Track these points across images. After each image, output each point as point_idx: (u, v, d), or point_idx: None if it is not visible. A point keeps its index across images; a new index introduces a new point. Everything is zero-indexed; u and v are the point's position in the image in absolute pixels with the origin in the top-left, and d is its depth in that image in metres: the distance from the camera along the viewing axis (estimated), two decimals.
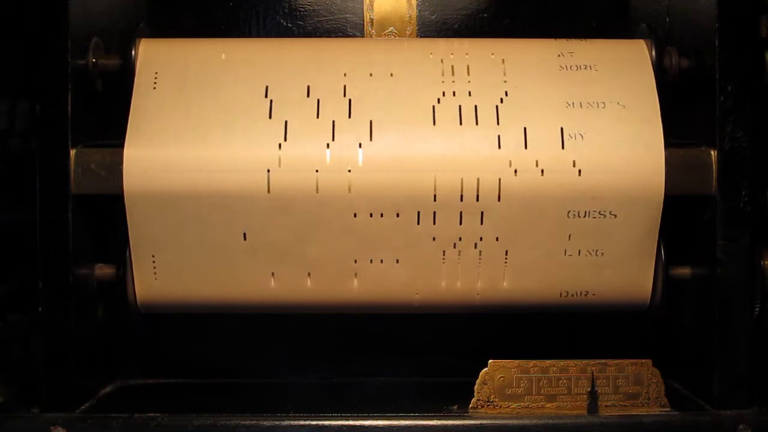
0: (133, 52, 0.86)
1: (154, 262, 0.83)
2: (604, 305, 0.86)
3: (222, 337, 0.95)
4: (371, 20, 0.95)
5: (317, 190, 0.81)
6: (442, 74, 0.84)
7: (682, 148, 0.84)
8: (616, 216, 0.82)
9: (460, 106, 0.83)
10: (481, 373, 0.82)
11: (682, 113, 0.87)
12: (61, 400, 0.82)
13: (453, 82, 0.84)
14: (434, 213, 0.82)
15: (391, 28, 0.95)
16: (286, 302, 0.85)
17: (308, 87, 0.83)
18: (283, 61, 0.85)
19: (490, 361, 0.82)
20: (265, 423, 0.80)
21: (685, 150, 0.84)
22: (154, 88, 0.84)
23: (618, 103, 0.84)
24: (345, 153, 0.81)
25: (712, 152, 0.83)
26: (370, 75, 0.84)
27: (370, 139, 0.82)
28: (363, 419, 0.80)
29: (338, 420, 0.80)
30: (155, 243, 0.82)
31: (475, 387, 0.82)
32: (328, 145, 0.81)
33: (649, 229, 0.83)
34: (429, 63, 0.85)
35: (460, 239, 0.83)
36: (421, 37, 0.95)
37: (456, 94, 0.83)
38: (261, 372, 0.95)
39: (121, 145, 0.82)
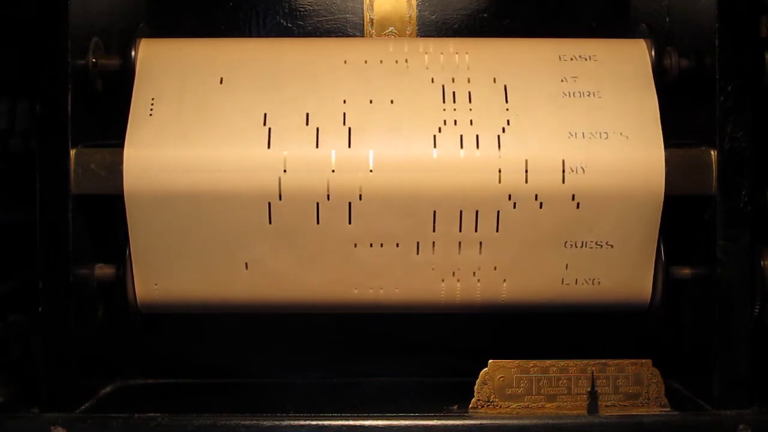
0: (133, 52, 0.86)
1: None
2: (604, 305, 0.86)
3: (222, 337, 0.95)
4: (371, 20, 0.95)
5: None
6: (444, 101, 0.84)
7: (682, 148, 0.84)
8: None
9: (461, 136, 0.82)
10: (481, 373, 0.82)
11: (682, 113, 0.87)
12: (61, 400, 0.82)
13: (454, 110, 0.83)
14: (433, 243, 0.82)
15: (391, 28, 0.95)
16: (286, 302, 0.85)
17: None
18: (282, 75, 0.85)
19: (490, 361, 0.82)
20: (265, 423, 0.80)
21: (685, 150, 0.84)
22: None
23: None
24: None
25: (712, 152, 0.83)
26: (371, 102, 0.84)
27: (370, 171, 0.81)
28: (363, 419, 0.81)
29: (338, 420, 0.80)
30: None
31: (475, 387, 0.82)
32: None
33: (649, 229, 0.83)
34: (430, 91, 0.84)
35: (459, 269, 0.83)
36: (420, 36, 0.95)
37: (457, 122, 0.83)
38: (261, 372, 0.95)
39: (121, 145, 0.82)
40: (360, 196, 0.81)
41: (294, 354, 0.95)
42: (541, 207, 0.82)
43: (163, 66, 0.85)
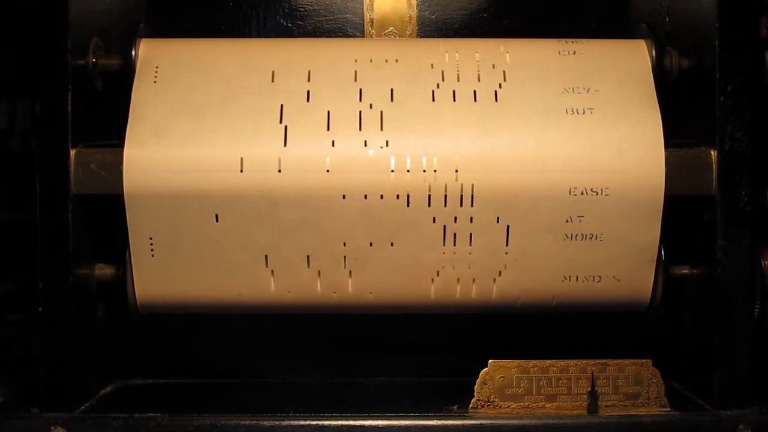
0: (133, 52, 0.86)
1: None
2: (604, 305, 0.86)
3: (222, 337, 0.95)
4: (371, 20, 0.95)
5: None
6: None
7: (682, 148, 0.84)
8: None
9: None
10: (481, 373, 0.82)
11: (682, 113, 0.87)
12: (61, 400, 0.82)
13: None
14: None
15: (391, 28, 0.95)
16: (286, 303, 0.85)
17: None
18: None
19: (490, 361, 0.82)
20: (265, 423, 0.80)
21: (685, 150, 0.84)
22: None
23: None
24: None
25: (712, 152, 0.83)
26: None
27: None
28: (363, 419, 0.81)
29: (338, 420, 0.80)
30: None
31: (475, 387, 0.82)
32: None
33: (649, 229, 0.83)
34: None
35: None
36: (420, 36, 0.95)
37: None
38: (261, 372, 0.95)
39: (121, 145, 0.82)
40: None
41: (294, 354, 0.95)
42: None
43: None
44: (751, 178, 0.82)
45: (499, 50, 0.86)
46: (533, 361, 0.82)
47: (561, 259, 0.83)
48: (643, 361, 0.83)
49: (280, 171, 0.81)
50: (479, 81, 0.84)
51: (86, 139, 0.83)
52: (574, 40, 0.88)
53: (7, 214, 0.91)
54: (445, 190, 0.81)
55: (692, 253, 0.86)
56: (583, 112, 0.82)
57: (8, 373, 0.90)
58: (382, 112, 0.82)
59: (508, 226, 0.82)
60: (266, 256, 0.83)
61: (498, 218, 0.82)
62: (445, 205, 0.82)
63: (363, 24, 0.95)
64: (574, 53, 0.87)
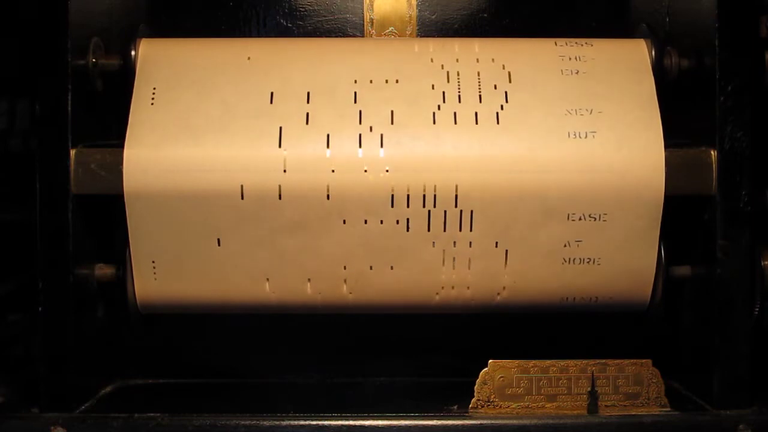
0: (133, 52, 0.86)
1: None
2: (604, 305, 0.86)
3: (222, 337, 0.95)
4: (371, 20, 0.95)
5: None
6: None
7: (682, 148, 0.84)
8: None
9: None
10: (481, 373, 0.82)
11: (682, 113, 0.87)
12: (61, 400, 0.82)
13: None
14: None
15: (391, 28, 0.95)
16: (286, 303, 0.85)
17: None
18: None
19: (490, 361, 0.82)
20: (265, 423, 0.80)
21: (685, 150, 0.84)
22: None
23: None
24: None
25: (712, 152, 0.83)
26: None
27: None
28: (363, 419, 0.81)
29: (338, 420, 0.80)
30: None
31: (475, 387, 0.82)
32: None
33: (649, 229, 0.83)
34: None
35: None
36: (420, 36, 0.95)
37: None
38: (261, 372, 0.95)
39: (121, 145, 0.82)
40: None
41: (294, 354, 0.95)
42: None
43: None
44: (751, 178, 0.82)
45: (500, 70, 0.85)
46: (533, 361, 0.82)
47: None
48: (643, 361, 0.83)
49: (280, 198, 0.81)
50: (481, 102, 0.83)
51: (86, 139, 0.83)
52: (573, 40, 0.88)
53: (7, 214, 0.91)
54: (445, 216, 0.82)
55: (692, 253, 0.86)
56: (585, 136, 0.82)
57: (8, 373, 0.90)
58: (382, 135, 0.82)
59: (506, 251, 0.83)
60: (267, 280, 0.83)
61: (496, 243, 0.82)
62: (445, 230, 0.82)
63: (363, 24, 0.95)
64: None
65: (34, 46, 0.82)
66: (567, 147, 0.82)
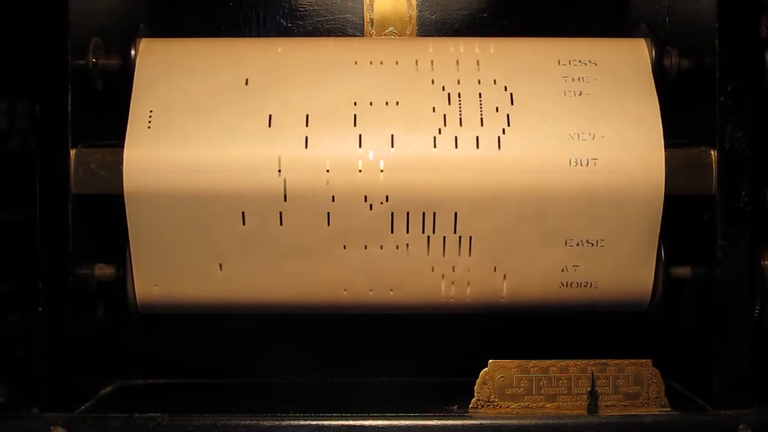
0: (133, 52, 0.86)
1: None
2: (604, 305, 0.86)
3: (222, 337, 0.95)
4: (371, 20, 0.95)
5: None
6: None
7: (682, 148, 0.84)
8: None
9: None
10: (481, 373, 0.82)
11: (682, 113, 0.87)
12: (61, 400, 0.82)
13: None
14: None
15: (391, 28, 0.95)
16: (287, 303, 0.85)
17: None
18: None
19: (490, 361, 0.82)
20: (265, 423, 0.80)
21: (685, 150, 0.84)
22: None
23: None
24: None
25: (712, 152, 0.83)
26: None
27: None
28: (363, 419, 0.81)
29: (338, 420, 0.80)
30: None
31: (475, 387, 0.82)
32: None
33: (649, 229, 0.83)
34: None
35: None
36: (420, 36, 0.95)
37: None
38: (261, 372, 0.95)
39: (121, 145, 0.82)
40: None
41: (294, 354, 0.95)
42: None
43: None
44: (751, 178, 0.82)
45: (503, 91, 0.84)
46: (533, 361, 0.82)
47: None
48: (643, 361, 0.83)
49: (282, 224, 0.81)
50: (482, 126, 0.82)
51: (86, 139, 0.83)
52: (573, 39, 0.88)
53: (7, 214, 0.91)
54: (444, 241, 0.82)
55: (692, 253, 0.86)
56: (587, 164, 0.82)
57: (8, 373, 0.90)
58: (382, 162, 0.81)
59: (505, 275, 0.83)
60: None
61: (495, 267, 0.83)
62: (444, 256, 0.83)
63: (363, 24, 0.95)
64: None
65: (34, 46, 0.82)
66: (568, 174, 0.81)
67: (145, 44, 0.87)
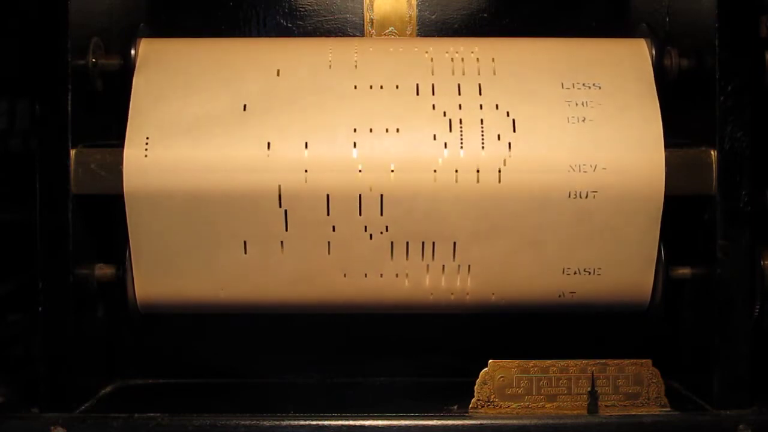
0: (133, 52, 0.86)
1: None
2: (604, 305, 0.86)
3: (222, 337, 0.95)
4: (371, 20, 0.95)
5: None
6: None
7: (682, 148, 0.84)
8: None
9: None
10: (481, 373, 0.82)
11: (682, 113, 0.87)
12: (61, 400, 0.82)
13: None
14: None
15: (391, 28, 0.95)
16: (287, 303, 0.85)
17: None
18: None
19: (490, 361, 0.82)
20: (265, 423, 0.80)
21: (685, 150, 0.84)
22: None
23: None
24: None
25: (712, 152, 0.83)
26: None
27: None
28: (363, 419, 0.81)
29: (338, 420, 0.80)
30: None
31: (475, 387, 0.82)
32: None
33: (649, 229, 0.83)
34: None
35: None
36: (420, 36, 0.95)
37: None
38: (261, 372, 0.95)
39: (121, 145, 0.82)
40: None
41: (294, 354, 0.95)
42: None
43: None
44: (751, 178, 0.82)
45: (505, 117, 0.83)
46: (533, 361, 0.82)
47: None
48: (643, 361, 0.83)
49: (282, 251, 0.82)
50: (483, 151, 0.82)
51: (86, 139, 0.83)
52: (573, 39, 0.88)
53: (7, 214, 0.91)
54: (443, 270, 0.83)
55: (692, 253, 0.86)
56: (586, 196, 0.82)
57: (8, 373, 0.90)
58: (382, 195, 0.81)
59: (501, 300, 0.84)
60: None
61: (493, 294, 0.84)
62: (443, 284, 0.83)
63: (363, 24, 0.95)
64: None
65: (34, 46, 0.82)
66: (567, 207, 0.81)
67: (145, 44, 0.87)
